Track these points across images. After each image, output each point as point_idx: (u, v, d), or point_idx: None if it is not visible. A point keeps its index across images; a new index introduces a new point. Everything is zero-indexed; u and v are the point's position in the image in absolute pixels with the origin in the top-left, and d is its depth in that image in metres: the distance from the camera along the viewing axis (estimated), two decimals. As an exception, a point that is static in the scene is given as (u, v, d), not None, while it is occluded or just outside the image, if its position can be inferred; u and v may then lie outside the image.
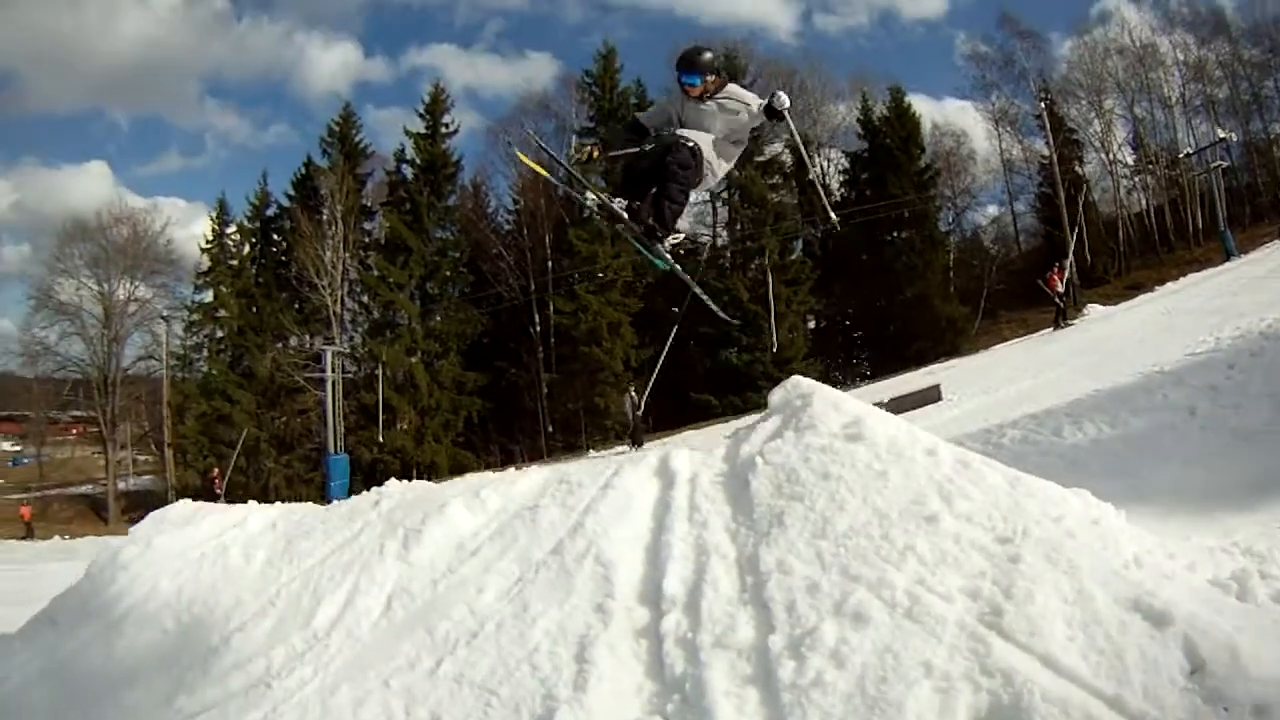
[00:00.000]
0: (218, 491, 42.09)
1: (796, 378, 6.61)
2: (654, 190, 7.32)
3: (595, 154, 7.80)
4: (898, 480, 4.96)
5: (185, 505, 8.54)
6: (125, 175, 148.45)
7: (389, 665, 4.91)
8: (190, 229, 59.00)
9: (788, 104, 6.70)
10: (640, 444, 30.55)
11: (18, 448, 65.99)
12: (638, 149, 7.45)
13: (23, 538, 42.96)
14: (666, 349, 35.79)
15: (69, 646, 7.27)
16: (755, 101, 7.00)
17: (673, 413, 40.20)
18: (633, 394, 33.04)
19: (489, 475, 7.00)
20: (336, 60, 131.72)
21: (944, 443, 5.43)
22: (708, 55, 7.03)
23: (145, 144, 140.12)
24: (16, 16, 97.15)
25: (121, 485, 54.73)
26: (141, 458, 60.05)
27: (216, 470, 44.57)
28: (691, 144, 7.04)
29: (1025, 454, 9.87)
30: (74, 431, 64.41)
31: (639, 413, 32.92)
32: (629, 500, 5.73)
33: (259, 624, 5.94)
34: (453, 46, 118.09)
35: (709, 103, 7.07)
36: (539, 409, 48.38)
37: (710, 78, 7.07)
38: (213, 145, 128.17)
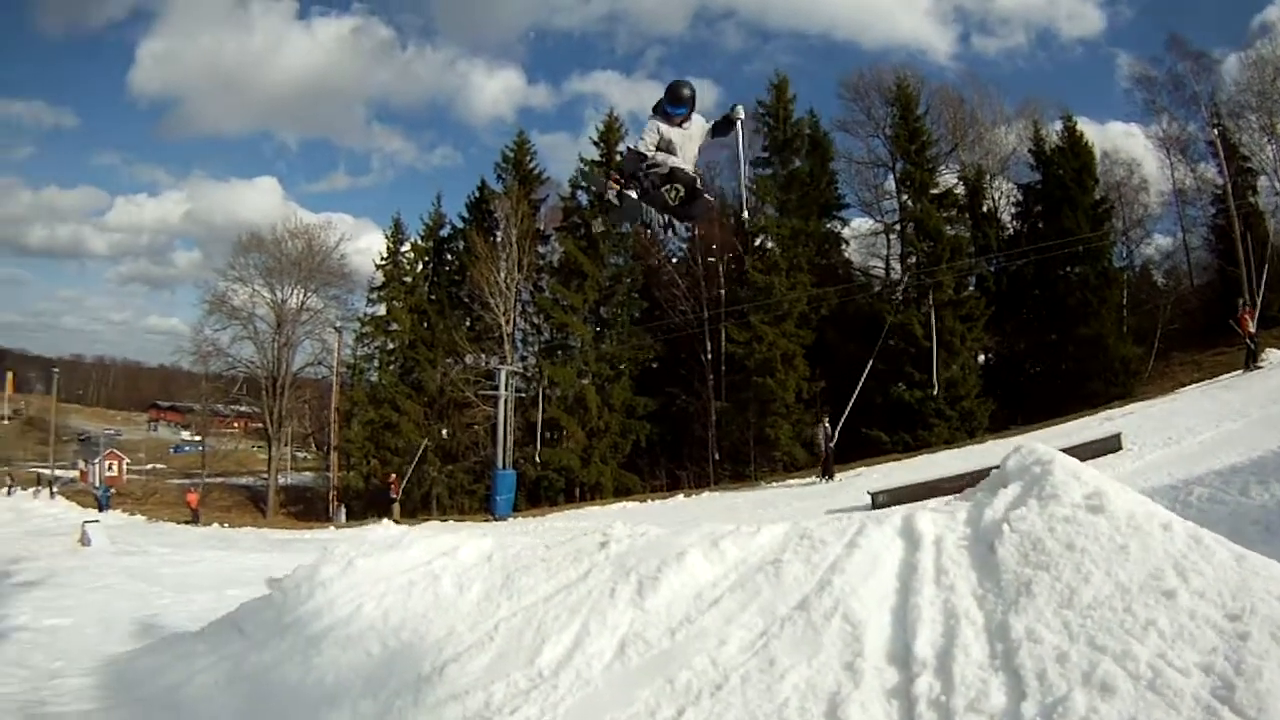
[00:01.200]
0: (394, 496, 43.38)
1: (1032, 443, 6.72)
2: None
3: (618, 187, 8.21)
4: (1137, 554, 5.03)
5: (388, 527, 9.82)
6: (294, 191, 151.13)
7: (625, 711, 5.00)
8: (357, 243, 59.79)
9: (743, 115, 8.08)
10: (831, 475, 31.65)
11: (183, 435, 68.12)
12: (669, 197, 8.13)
13: (188, 522, 43.83)
14: (863, 379, 38.18)
15: (260, 658, 7.55)
16: (708, 122, 8.34)
17: (843, 447, 38.93)
18: (826, 425, 33.32)
19: (703, 529, 7.04)
20: (500, 87, 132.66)
21: (1176, 518, 5.45)
22: (689, 91, 7.96)
23: (314, 163, 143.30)
24: (188, 44, 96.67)
25: (281, 480, 56.76)
26: (301, 455, 64.19)
27: (394, 476, 45.50)
28: (702, 190, 8.34)
29: (1214, 514, 10.09)
30: (237, 425, 68.42)
31: (831, 444, 33.28)
32: (875, 560, 5.82)
33: (476, 657, 6.10)
34: (615, 74, 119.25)
35: (685, 126, 8.14)
36: (708, 437, 48.68)
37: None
38: (379, 165, 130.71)
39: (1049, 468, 6.07)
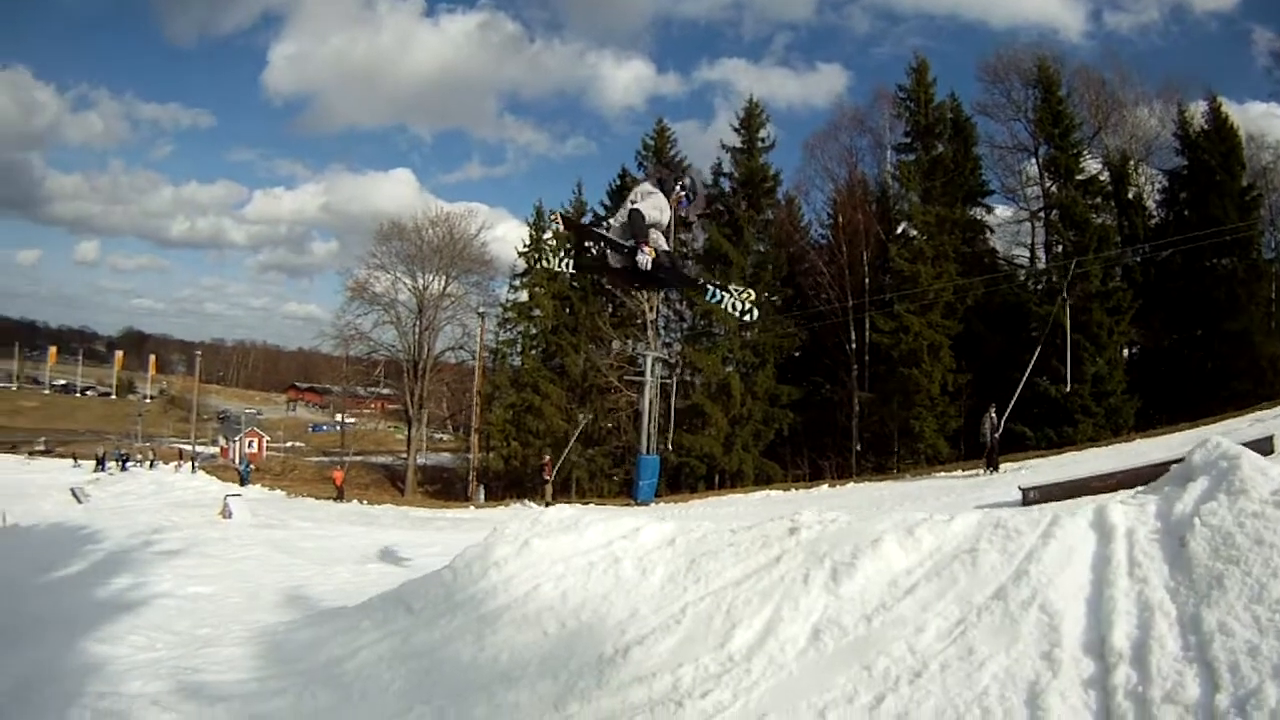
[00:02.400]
0: (546, 478, 43.32)
1: (1216, 438, 6.65)
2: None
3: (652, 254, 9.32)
4: (1325, 549, 4.83)
5: (563, 510, 9.00)
6: (429, 182, 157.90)
7: (821, 697, 4.96)
8: (494, 232, 61.25)
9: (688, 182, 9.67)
10: (996, 467, 30.75)
11: (323, 416, 70.44)
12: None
13: (333, 499, 44.84)
14: (1028, 372, 35.91)
15: (428, 635, 7.48)
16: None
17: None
18: (992, 415, 31.86)
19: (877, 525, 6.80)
20: (629, 76, 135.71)
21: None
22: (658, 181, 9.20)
23: (448, 154, 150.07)
24: (318, 45, 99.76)
25: (420, 460, 57.96)
26: (438, 436, 65.41)
27: (548, 458, 45.35)
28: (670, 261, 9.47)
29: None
30: (374, 407, 69.84)
31: (997, 435, 32.01)
32: (1070, 551, 5.74)
33: (662, 640, 6.06)
34: (742, 60, 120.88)
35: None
36: (851, 427, 48.33)
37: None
38: (513, 156, 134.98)
39: (1236, 462, 6.00)
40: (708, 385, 50.44)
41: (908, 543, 6.15)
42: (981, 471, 30.91)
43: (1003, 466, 30.37)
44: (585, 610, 6.84)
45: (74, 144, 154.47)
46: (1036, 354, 37.13)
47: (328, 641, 8.35)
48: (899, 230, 49.75)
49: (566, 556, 7.69)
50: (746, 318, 9.85)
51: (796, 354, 52.07)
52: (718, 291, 9.69)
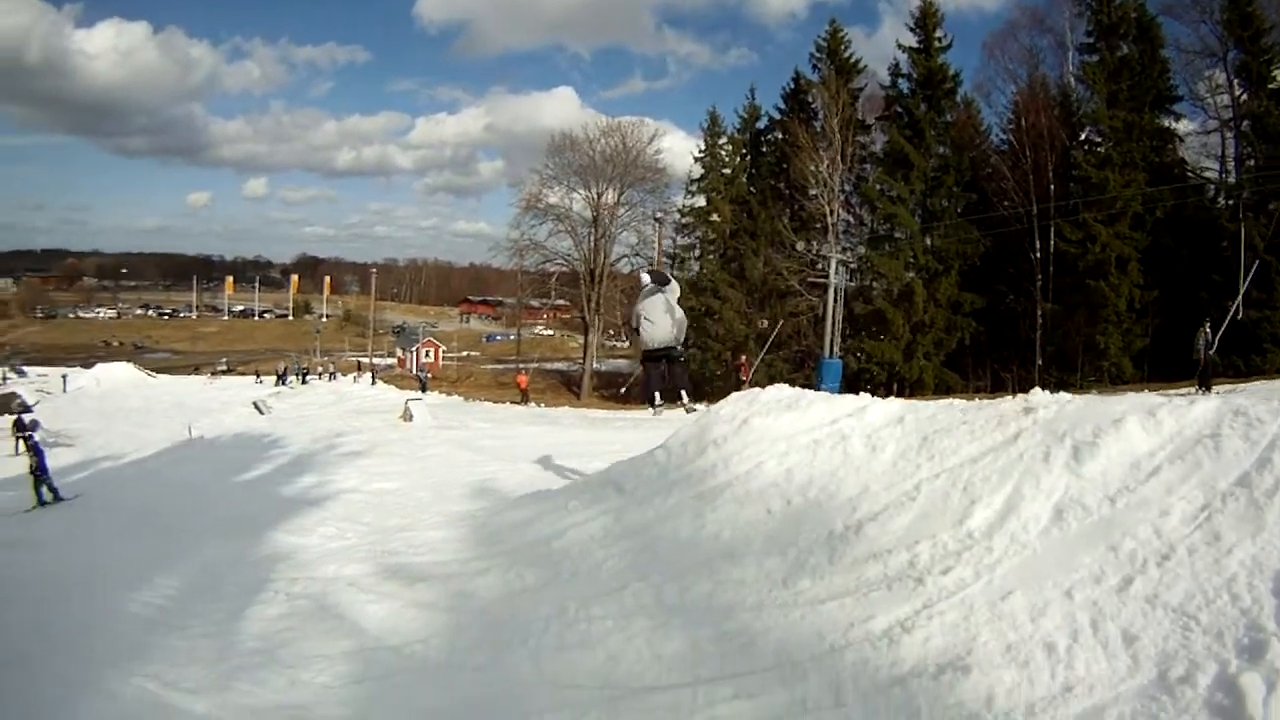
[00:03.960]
0: (743, 379, 42.83)
1: None
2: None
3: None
4: None
5: (781, 390, 8.69)
6: (591, 99, 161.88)
7: (1067, 577, 4.81)
8: (660, 143, 60.33)
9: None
10: (1209, 388, 27.57)
11: (496, 327, 73.25)
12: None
13: (518, 402, 45.50)
14: (1242, 292, 33.06)
15: (641, 513, 7.54)
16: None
17: (1171, 367, 36.47)
18: (1206, 331, 28.45)
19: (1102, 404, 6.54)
20: None
21: None
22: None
23: (608, 71, 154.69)
24: None
25: (595, 366, 58.71)
26: (611, 344, 66.26)
27: (745, 359, 44.69)
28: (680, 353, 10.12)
29: None
30: (546, 317, 71.64)
31: (1211, 352, 28.95)
32: None
33: (895, 517, 5.95)
34: None
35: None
36: (1034, 339, 46.46)
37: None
38: (674, 69, 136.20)
39: None
40: (889, 291, 49.05)
41: (1149, 424, 5.84)
42: (1194, 391, 27.65)
43: (1215, 388, 27.84)
44: (812, 487, 6.76)
45: (233, 92, 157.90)
46: (1253, 272, 34.66)
47: (533, 523, 8.42)
48: (1083, 136, 47.26)
49: (789, 435, 7.53)
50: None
51: (979, 261, 49.06)
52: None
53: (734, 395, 8.93)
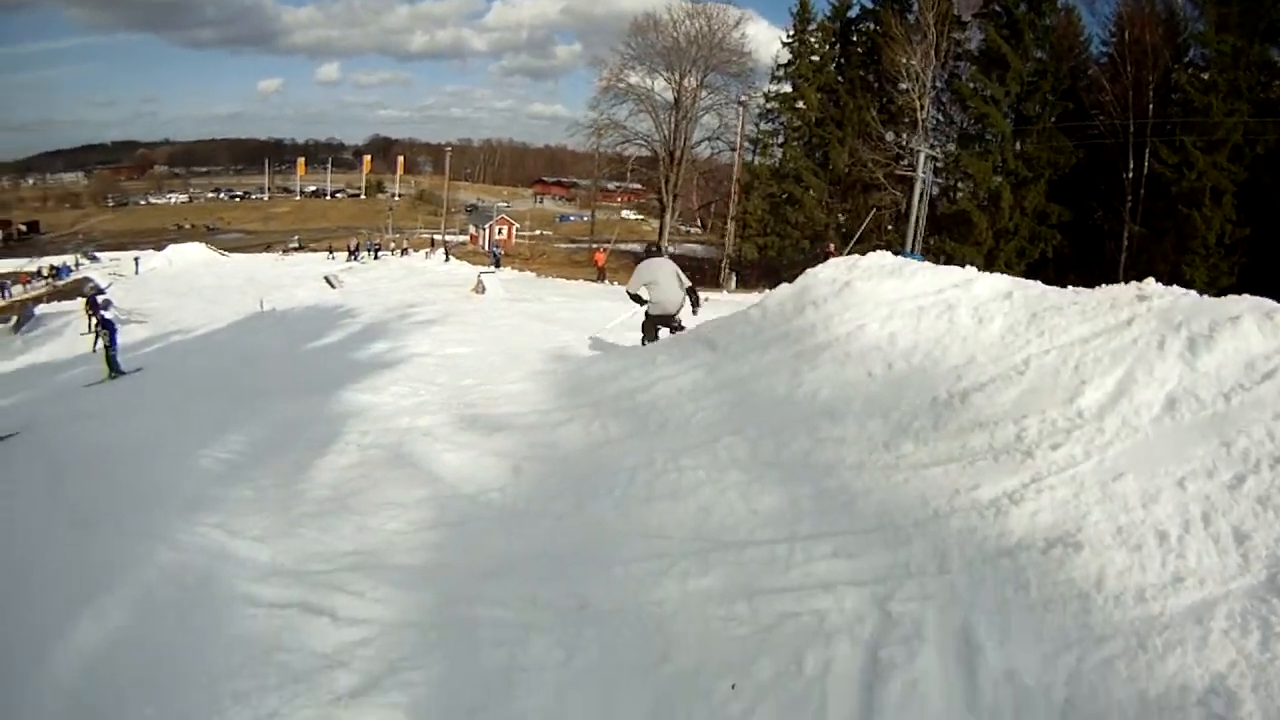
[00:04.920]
0: None
1: None
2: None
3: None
4: None
5: (883, 256, 8.39)
6: None
7: (1180, 467, 4.62)
8: (742, 29, 59.19)
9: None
10: None
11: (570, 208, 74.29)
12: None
13: (594, 280, 45.28)
14: None
15: (735, 369, 7.50)
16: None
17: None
18: None
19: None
20: None
21: None
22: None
23: None
24: None
25: (670, 250, 56.77)
26: (685, 229, 65.86)
27: (833, 246, 44.55)
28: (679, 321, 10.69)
29: None
30: (621, 200, 72.09)
31: None
32: None
33: (1003, 390, 5.78)
34: None
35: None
36: (1119, 261, 44.72)
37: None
38: None
39: None
40: (975, 193, 48.01)
41: (1266, 327, 5.57)
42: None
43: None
44: (916, 353, 6.63)
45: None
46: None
47: (617, 376, 8.28)
48: (1188, 57, 45.17)
49: (892, 300, 7.36)
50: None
51: (1069, 173, 47.39)
52: None
53: (832, 260, 8.70)
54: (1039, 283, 7.47)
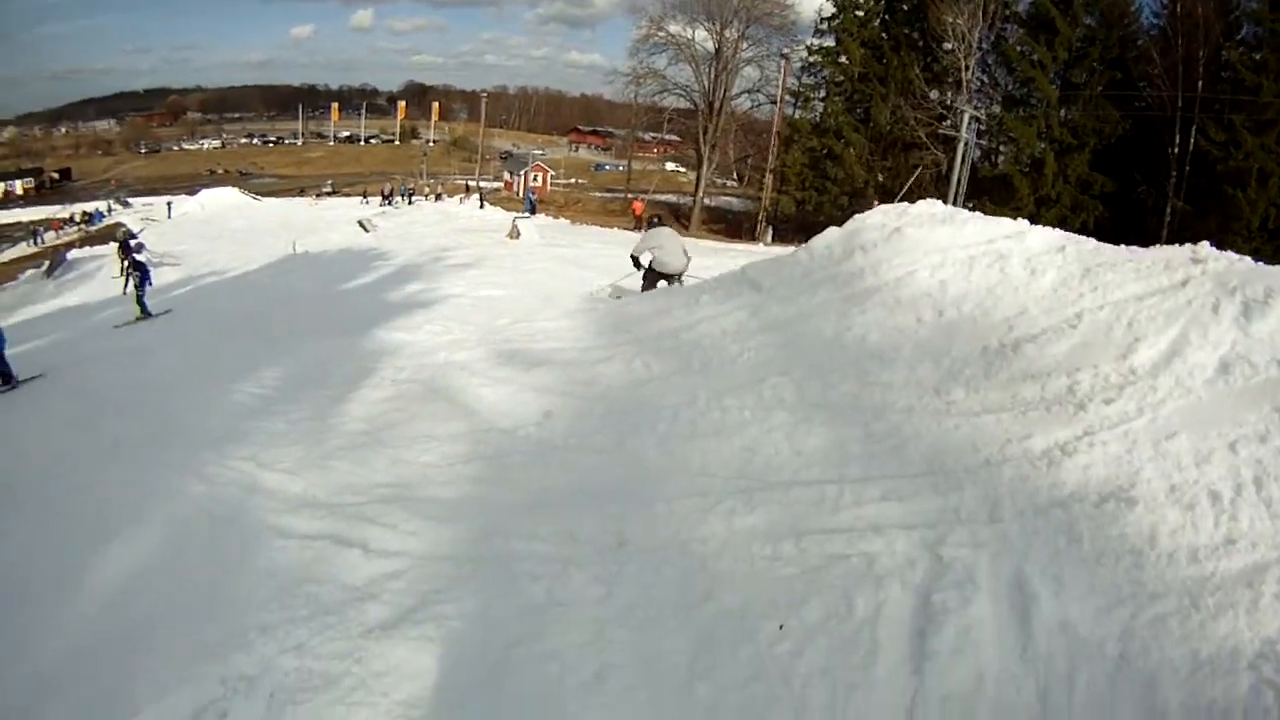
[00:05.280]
0: None
1: None
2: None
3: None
4: None
5: (933, 204, 8.25)
6: None
7: (1232, 430, 4.58)
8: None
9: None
10: None
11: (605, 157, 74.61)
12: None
13: (630, 229, 44.10)
14: None
15: (780, 310, 7.48)
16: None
17: None
18: None
19: None
20: None
21: None
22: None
23: None
24: None
25: (706, 201, 57.59)
26: (720, 181, 63.98)
27: (876, 202, 44.09)
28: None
29: None
30: (657, 151, 71.38)
31: None
32: None
33: (1055, 342, 5.75)
34: None
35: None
36: (1161, 237, 42.00)
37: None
38: None
39: None
40: (1018, 158, 47.01)
41: None
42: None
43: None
44: (966, 301, 6.59)
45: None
46: None
47: (659, 315, 8.26)
48: (1240, 35, 43.77)
49: (943, 248, 7.31)
50: None
51: (1114, 143, 46.09)
52: None
53: (881, 207, 8.57)
54: (1092, 239, 7.37)
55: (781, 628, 4.02)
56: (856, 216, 8.45)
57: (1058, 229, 7.70)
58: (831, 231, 8.39)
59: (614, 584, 4.51)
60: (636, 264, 11.53)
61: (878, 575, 4.19)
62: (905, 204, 8.33)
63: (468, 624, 4.41)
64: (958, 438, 5.20)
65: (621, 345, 7.76)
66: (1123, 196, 45.22)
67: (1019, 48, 47.04)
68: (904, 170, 45.65)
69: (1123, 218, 43.41)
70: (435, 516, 5.40)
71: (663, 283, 11.13)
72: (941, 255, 7.19)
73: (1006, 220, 7.86)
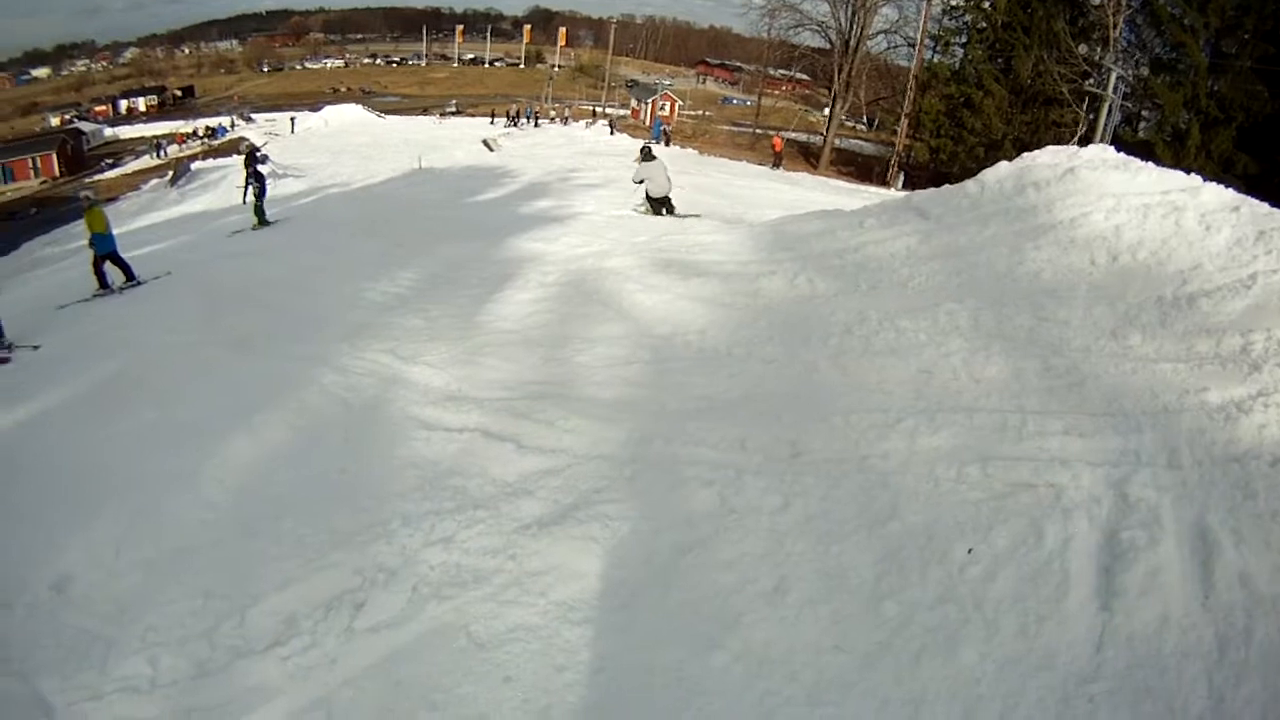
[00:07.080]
0: None
1: None
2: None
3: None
4: None
5: (1106, 150, 8.13)
6: None
7: None
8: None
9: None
10: None
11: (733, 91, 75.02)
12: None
13: (768, 164, 43.50)
14: None
15: (950, 239, 7.35)
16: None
17: None
18: None
19: None
20: None
21: None
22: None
23: None
24: None
25: (836, 142, 56.40)
26: (850, 123, 63.24)
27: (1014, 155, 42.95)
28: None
29: None
30: (785, 89, 70.24)
31: None
32: None
33: (1229, 300, 5.64)
34: None
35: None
36: None
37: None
38: None
39: None
40: (1160, 126, 44.10)
41: None
42: None
43: None
44: (1141, 249, 6.51)
45: None
46: None
47: (822, 235, 8.16)
48: None
49: (1118, 193, 7.23)
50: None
51: (1262, 122, 43.88)
52: None
53: (1050, 148, 8.58)
54: (1265, 203, 7.27)
55: (970, 551, 3.94)
56: (1025, 155, 8.42)
57: (1228, 188, 7.68)
58: (1002, 165, 8.29)
59: (791, 494, 4.40)
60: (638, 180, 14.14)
61: (1065, 508, 4.11)
62: (1075, 146, 8.23)
63: (634, 525, 4.31)
64: (1136, 382, 5.14)
65: (783, 262, 7.66)
66: (1267, 181, 42.46)
67: (1171, 10, 44.85)
68: (1043, 125, 44.46)
69: (1263, 200, 41.75)
70: (593, 415, 5.31)
71: (663, 209, 13.62)
72: (1115, 200, 7.08)
73: (1179, 173, 7.65)
